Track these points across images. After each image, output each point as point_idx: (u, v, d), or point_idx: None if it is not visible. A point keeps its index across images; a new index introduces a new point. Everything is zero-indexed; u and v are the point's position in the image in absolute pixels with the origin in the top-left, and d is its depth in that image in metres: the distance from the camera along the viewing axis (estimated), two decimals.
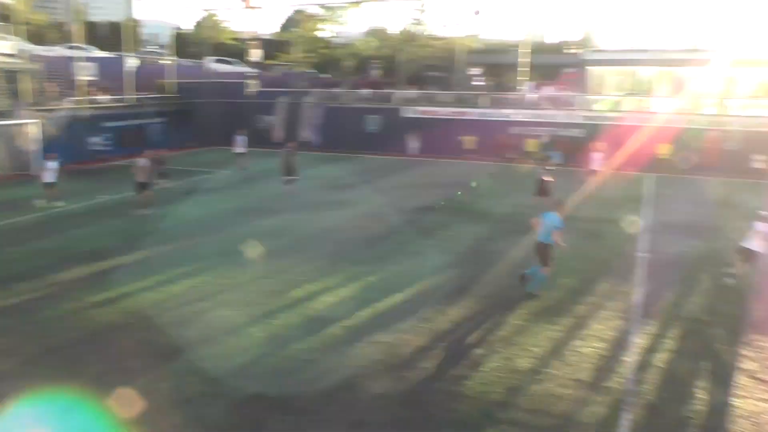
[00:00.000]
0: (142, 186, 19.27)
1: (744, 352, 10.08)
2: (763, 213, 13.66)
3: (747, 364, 9.62)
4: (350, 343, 10.01)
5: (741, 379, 9.15)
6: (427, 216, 19.32)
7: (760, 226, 13.12)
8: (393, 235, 16.87)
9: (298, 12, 63.91)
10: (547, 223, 12.37)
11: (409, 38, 51.25)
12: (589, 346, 10.14)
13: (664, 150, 29.39)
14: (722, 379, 9.18)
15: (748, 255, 13.13)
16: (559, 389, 8.77)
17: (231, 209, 19.90)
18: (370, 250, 15.47)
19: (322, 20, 58.35)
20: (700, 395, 8.68)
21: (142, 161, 19.44)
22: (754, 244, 13.03)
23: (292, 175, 22.37)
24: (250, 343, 10.01)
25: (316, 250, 15.21)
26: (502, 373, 9.19)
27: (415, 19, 52.62)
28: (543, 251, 12.38)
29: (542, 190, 19.79)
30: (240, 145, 28.28)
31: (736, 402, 8.51)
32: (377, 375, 9.04)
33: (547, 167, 21.19)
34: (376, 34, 61.49)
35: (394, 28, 62.56)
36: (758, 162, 28.55)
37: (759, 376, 9.25)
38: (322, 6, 55.17)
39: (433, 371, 9.24)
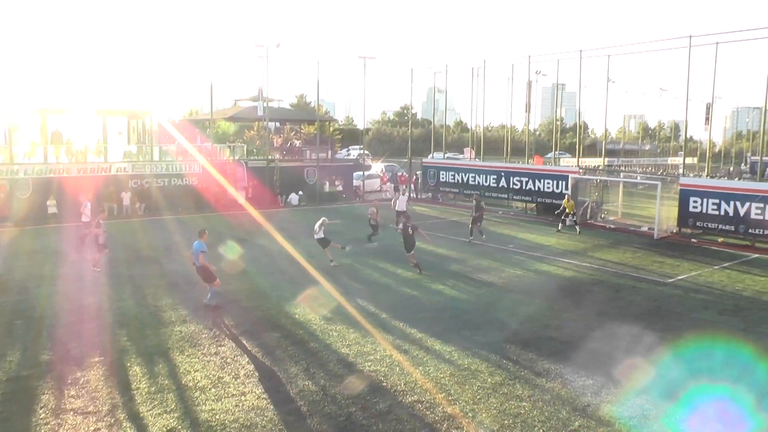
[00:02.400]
0: None
1: (70, 391, 11.18)
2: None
3: (75, 403, 10.76)
4: None
5: (71, 418, 10.21)
6: None
7: (320, 222, 21.64)
8: None
9: None
10: (195, 250, 16.49)
11: None
12: None
13: None
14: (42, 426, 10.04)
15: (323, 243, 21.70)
16: None
17: None
18: None
19: None
20: None
21: None
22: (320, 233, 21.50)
23: None
24: None
25: None
26: None
27: None
28: (202, 273, 16.55)
29: None
30: None
31: None
32: None
33: None
34: None
35: None
36: (52, 207, 31.64)
37: (89, 410, 10.52)
38: None
39: None
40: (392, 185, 48.66)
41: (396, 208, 29.00)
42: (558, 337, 14.55)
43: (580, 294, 18.73)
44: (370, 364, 12.68)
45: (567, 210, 30.46)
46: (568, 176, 34.71)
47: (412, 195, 46.01)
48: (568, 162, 62.97)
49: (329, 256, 21.80)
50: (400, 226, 23.04)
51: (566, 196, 31.79)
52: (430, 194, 44.99)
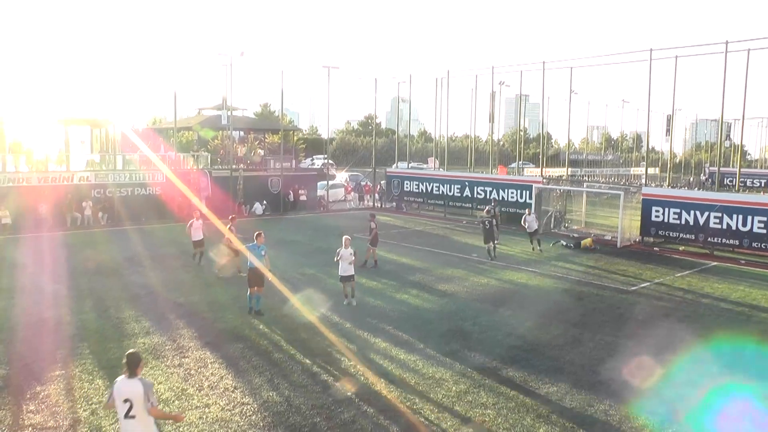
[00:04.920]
0: None
1: (29, 407, 11.01)
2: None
3: (34, 418, 10.59)
4: None
5: None
6: None
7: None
8: None
9: None
10: (254, 252, 17.06)
11: None
12: None
13: None
14: None
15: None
16: None
17: None
18: None
19: None
20: None
21: None
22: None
23: None
24: None
25: None
26: None
27: None
28: (254, 275, 16.90)
29: None
30: None
31: None
32: None
33: None
34: None
35: None
36: (5, 218, 31.01)
37: (49, 425, 10.37)
38: None
39: None
40: (356, 195, 48.78)
41: (529, 229, 28.26)
42: (522, 345, 14.73)
43: (544, 302, 18.97)
44: (335, 373, 12.71)
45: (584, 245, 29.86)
46: (531, 186, 35.18)
47: (376, 204, 46.20)
48: (531, 172, 63.69)
49: (349, 293, 18.28)
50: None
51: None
52: (394, 204, 45.19)
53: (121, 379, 7.68)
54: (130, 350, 7.98)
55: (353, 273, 18.20)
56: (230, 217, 22.85)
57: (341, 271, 18.11)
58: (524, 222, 28.59)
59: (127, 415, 7.57)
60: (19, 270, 22.22)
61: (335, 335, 15.12)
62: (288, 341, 14.70)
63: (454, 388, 12.07)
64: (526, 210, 29.97)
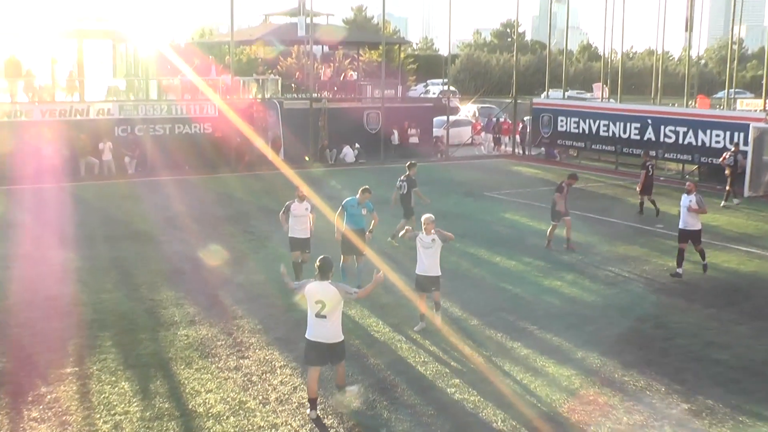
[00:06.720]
0: None
1: (31, 413, 11.52)
2: None
3: (38, 429, 11.04)
4: None
5: None
6: None
7: None
8: None
9: None
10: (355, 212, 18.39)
11: None
12: None
13: None
14: None
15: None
16: None
17: None
18: None
19: None
20: None
21: None
22: None
23: None
24: None
25: None
26: None
27: None
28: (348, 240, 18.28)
29: None
30: None
31: None
32: None
33: None
34: None
35: None
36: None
37: None
38: None
39: None
40: (489, 136, 48.30)
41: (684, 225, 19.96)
42: (729, 360, 14.28)
43: (764, 298, 18.38)
44: (454, 390, 12.70)
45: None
46: (749, 126, 33.86)
47: (517, 150, 45.67)
48: (749, 105, 61.36)
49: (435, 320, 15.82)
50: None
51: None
52: (542, 150, 44.62)
53: (313, 281, 11.39)
54: (323, 256, 11.46)
55: (438, 274, 15.76)
56: (569, 174, 24.37)
57: (418, 269, 15.78)
58: (682, 221, 20.19)
59: (318, 315, 11.17)
60: (17, 232, 23.37)
61: (456, 336, 15.10)
62: (388, 341, 14.82)
63: (625, 418, 11.80)
64: (687, 186, 20.55)
